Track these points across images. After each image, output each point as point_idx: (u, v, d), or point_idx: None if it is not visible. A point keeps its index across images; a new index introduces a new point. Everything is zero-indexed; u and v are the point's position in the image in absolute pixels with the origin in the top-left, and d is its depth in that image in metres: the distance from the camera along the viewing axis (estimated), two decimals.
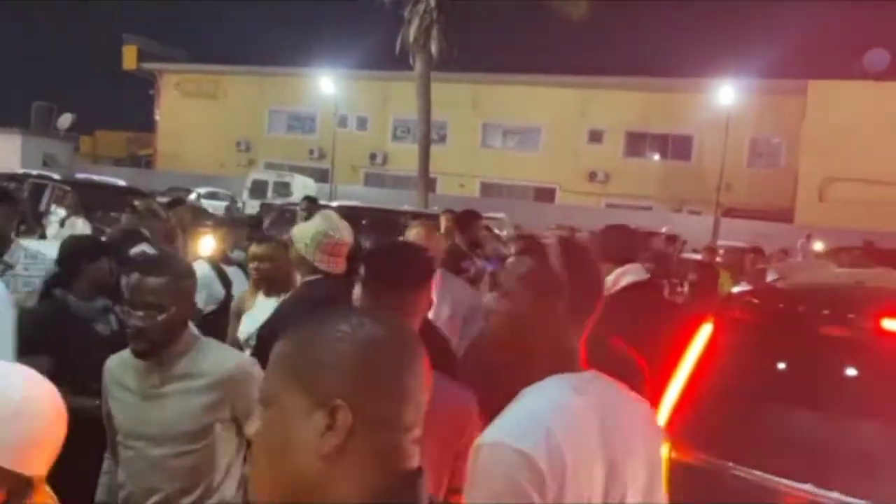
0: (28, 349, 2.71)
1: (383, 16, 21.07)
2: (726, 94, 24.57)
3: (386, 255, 2.12)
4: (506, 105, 30.93)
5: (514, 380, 1.44)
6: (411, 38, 19.60)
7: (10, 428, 1.19)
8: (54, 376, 2.69)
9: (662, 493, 1.54)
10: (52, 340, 2.83)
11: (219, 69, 35.95)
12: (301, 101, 33.55)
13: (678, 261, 10.57)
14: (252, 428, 1.02)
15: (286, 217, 12.45)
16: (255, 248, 3.99)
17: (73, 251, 3.30)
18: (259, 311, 3.60)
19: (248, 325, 3.61)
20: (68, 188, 10.20)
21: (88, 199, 10.48)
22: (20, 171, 17.35)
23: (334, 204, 12.99)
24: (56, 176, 14.74)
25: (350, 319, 1.00)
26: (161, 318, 2.17)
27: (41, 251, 3.87)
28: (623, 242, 3.29)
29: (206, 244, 5.21)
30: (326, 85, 29.59)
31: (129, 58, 37.11)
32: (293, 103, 34.33)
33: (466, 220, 5.87)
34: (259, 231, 6.60)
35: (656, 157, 30.65)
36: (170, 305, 2.18)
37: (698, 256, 10.69)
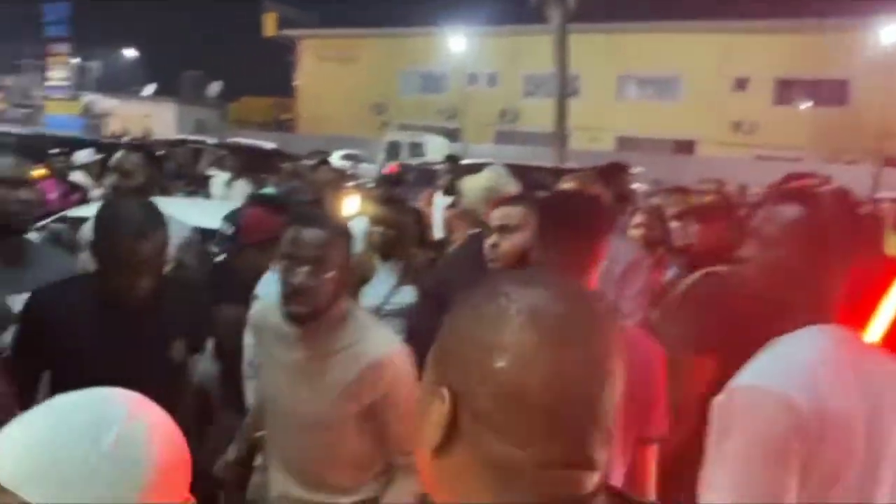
0: (217, 298, 2.94)
1: None
2: (888, 32, 22.33)
3: (568, 201, 2.01)
4: (642, 55, 29.70)
5: (767, 330, 1.38)
6: None
7: (99, 480, 0.86)
8: (240, 324, 2.87)
9: None
10: (238, 291, 2.99)
11: (353, 33, 36.70)
12: (432, 61, 33.71)
13: None
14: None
15: (424, 177, 12.64)
16: (380, 211, 3.49)
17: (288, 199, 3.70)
18: (379, 278, 3.40)
19: (373, 293, 3.34)
20: (225, 152, 10.82)
21: (241, 161, 11.12)
22: (178, 136, 18.70)
23: (465, 162, 13.04)
24: (210, 140, 15.73)
25: (502, 287, 0.76)
26: (327, 276, 1.91)
27: (174, 215, 4.06)
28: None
29: (352, 204, 5.33)
30: (456, 43, 29.52)
31: (270, 25, 38.59)
32: (424, 63, 34.57)
33: (613, 172, 5.67)
34: (397, 189, 6.68)
35: (808, 104, 28.54)
36: (334, 263, 1.93)
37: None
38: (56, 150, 9.11)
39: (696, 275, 2.70)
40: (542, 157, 18.84)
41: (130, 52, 46.17)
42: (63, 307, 2.02)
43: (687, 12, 27.45)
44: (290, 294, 1.92)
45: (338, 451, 2.01)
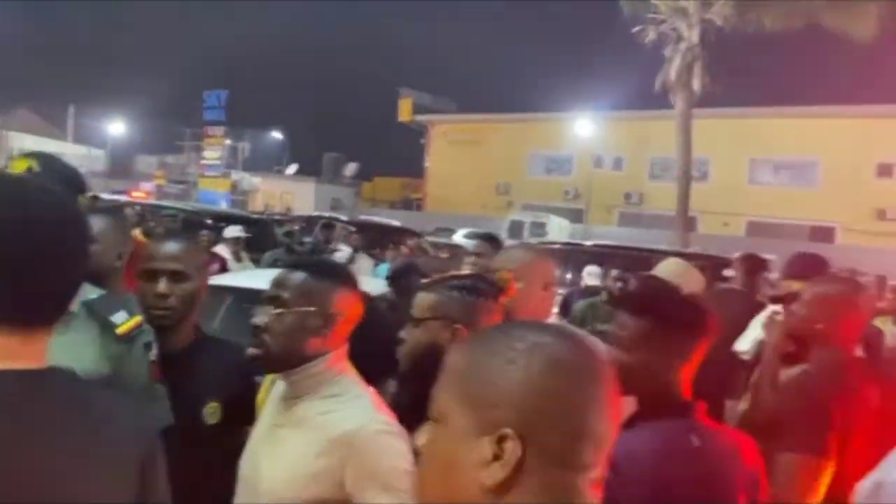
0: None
1: (642, 57, 20.97)
2: None
3: (652, 291, 1.72)
4: (777, 139, 28.87)
5: None
6: (672, 77, 19.23)
7: None
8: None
9: None
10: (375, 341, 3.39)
11: (483, 118, 38.00)
12: (559, 144, 34.25)
13: None
14: (420, 441, 0.94)
15: None
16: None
17: (401, 272, 4.13)
18: None
19: None
20: (354, 229, 11.52)
21: (369, 237, 11.83)
22: (314, 213, 19.96)
23: (588, 243, 13.15)
24: (343, 217, 16.69)
25: (527, 337, 0.88)
26: (284, 315, 1.65)
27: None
28: None
29: None
30: (583, 127, 29.97)
31: (405, 111, 40.65)
32: (551, 146, 35.17)
33: (755, 264, 5.15)
34: None
35: None
36: (303, 304, 1.66)
37: None
38: (210, 224, 10.04)
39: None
40: (667, 240, 18.60)
41: (276, 135, 49.87)
42: None
43: (825, 97, 26.64)
44: (251, 337, 1.69)
45: None
